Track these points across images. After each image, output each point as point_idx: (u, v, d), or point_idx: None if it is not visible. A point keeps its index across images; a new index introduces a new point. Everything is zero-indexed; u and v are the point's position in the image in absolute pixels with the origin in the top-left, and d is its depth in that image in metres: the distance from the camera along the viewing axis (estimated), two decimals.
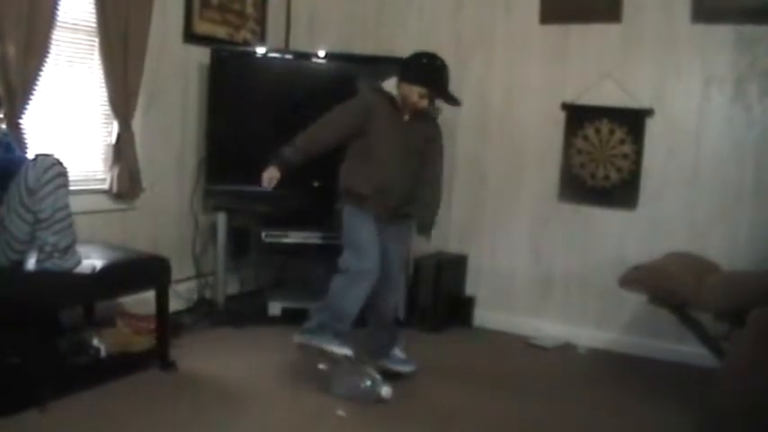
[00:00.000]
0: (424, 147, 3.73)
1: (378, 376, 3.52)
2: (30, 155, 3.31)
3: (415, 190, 3.71)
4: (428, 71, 3.63)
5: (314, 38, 5.31)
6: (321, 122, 3.59)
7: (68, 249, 3.22)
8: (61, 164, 3.15)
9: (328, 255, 4.58)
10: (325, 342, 3.49)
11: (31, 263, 3.17)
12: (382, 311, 3.74)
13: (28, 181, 3.07)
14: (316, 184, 4.54)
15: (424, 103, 3.61)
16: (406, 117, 3.66)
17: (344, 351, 3.48)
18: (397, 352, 3.84)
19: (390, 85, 3.64)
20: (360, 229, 3.58)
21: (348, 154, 3.67)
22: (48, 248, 3.14)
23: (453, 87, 4.83)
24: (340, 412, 3.31)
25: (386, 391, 3.48)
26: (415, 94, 3.56)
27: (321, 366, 3.55)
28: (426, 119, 3.74)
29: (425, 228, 3.79)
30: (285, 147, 3.58)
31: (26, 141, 3.55)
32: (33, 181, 3.06)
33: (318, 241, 4.55)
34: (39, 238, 3.14)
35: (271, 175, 3.57)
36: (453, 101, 3.66)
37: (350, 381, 3.49)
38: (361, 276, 3.50)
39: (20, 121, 3.52)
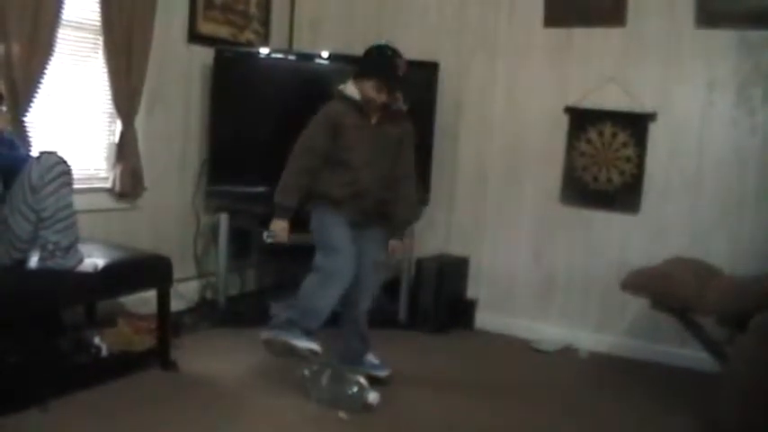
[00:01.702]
0: (397, 148, 3.65)
1: (364, 382, 3.43)
2: (33, 153, 3.31)
3: (389, 192, 3.64)
4: (378, 62, 3.54)
5: (317, 39, 5.31)
6: (298, 154, 3.50)
7: (70, 248, 3.22)
8: (65, 162, 3.14)
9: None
10: (292, 337, 3.41)
11: (33, 261, 3.17)
12: (354, 317, 3.69)
13: (31, 179, 3.06)
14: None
15: (383, 96, 3.49)
16: (374, 120, 3.57)
17: (311, 346, 3.40)
18: (371, 357, 3.77)
19: (349, 87, 3.55)
20: (332, 229, 3.52)
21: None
22: (50, 247, 3.14)
23: (455, 89, 4.90)
24: (341, 415, 3.30)
25: (373, 397, 3.40)
26: (371, 87, 3.47)
27: (306, 372, 3.45)
28: (396, 118, 3.63)
29: (404, 224, 3.76)
30: (278, 194, 3.49)
31: (30, 139, 3.55)
32: (37, 179, 3.06)
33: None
34: (41, 236, 3.13)
35: (282, 227, 3.51)
36: (406, 89, 3.58)
37: (335, 387, 3.43)
38: (334, 277, 3.44)
39: (24, 119, 3.53)
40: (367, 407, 3.38)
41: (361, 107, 3.53)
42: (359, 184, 3.53)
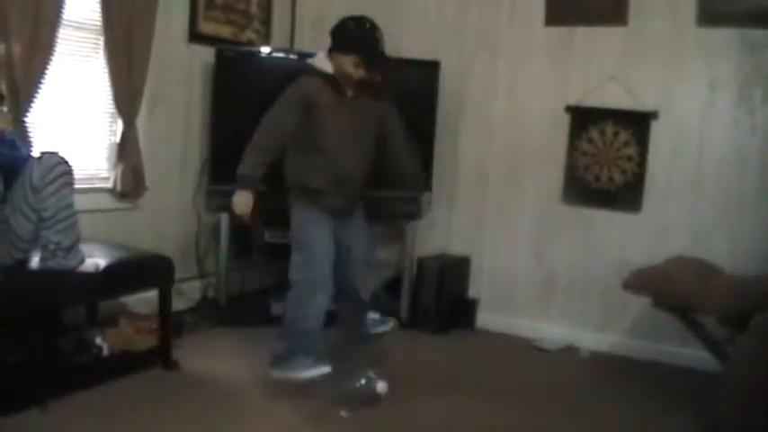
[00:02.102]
0: (379, 125, 3.46)
1: (371, 374, 3.46)
2: (34, 153, 3.31)
3: (371, 173, 3.47)
4: (358, 36, 3.33)
5: (318, 38, 5.26)
6: (263, 130, 3.29)
7: (72, 249, 3.22)
8: (66, 162, 3.15)
9: None
10: (300, 370, 3.31)
11: (34, 262, 3.18)
12: (347, 289, 3.54)
13: (32, 179, 3.06)
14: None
15: (361, 72, 3.29)
16: (350, 93, 3.36)
17: (321, 371, 3.32)
18: (370, 316, 3.68)
19: (321, 60, 3.34)
20: (312, 230, 3.33)
21: (292, 146, 3.38)
22: (51, 247, 3.15)
23: (456, 88, 4.89)
24: (342, 413, 3.30)
25: (381, 386, 3.44)
26: (349, 63, 3.28)
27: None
28: (374, 94, 3.43)
29: (417, 188, 3.67)
30: (240, 167, 3.29)
31: (31, 139, 3.56)
32: (38, 179, 3.06)
33: None
34: (42, 237, 3.14)
35: (245, 200, 3.26)
36: (388, 66, 3.39)
37: (344, 382, 3.45)
38: (313, 290, 3.31)
39: (24, 119, 3.53)
40: (376, 397, 3.41)
41: (335, 82, 3.32)
42: (339, 168, 3.34)
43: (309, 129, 3.32)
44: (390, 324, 3.68)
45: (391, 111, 3.54)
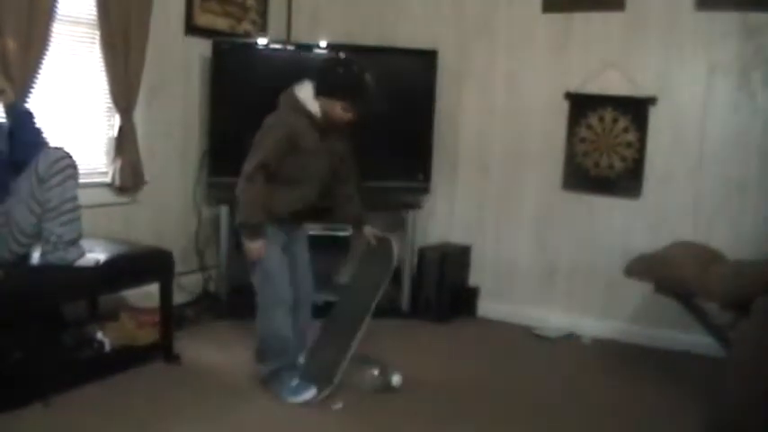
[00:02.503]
0: (341, 159, 3.50)
1: (386, 365, 3.52)
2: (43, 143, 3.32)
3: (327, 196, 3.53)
4: (348, 83, 3.27)
5: (315, 29, 5.29)
6: (256, 171, 3.23)
7: (73, 243, 3.24)
8: (70, 157, 3.20)
9: (331, 247, 4.59)
10: (287, 394, 3.35)
11: (35, 256, 3.20)
12: (299, 296, 3.54)
13: (39, 170, 3.11)
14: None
15: (350, 116, 3.28)
16: (326, 134, 3.36)
17: (305, 396, 3.34)
18: (292, 381, 3.49)
19: (308, 98, 3.28)
20: (272, 255, 3.36)
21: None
22: (53, 239, 3.17)
23: (455, 76, 4.88)
24: (338, 405, 3.31)
25: (396, 379, 3.50)
26: (338, 108, 3.25)
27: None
28: (338, 133, 3.43)
29: (360, 219, 3.64)
30: (247, 215, 3.26)
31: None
32: (44, 170, 3.11)
33: (321, 233, 4.53)
34: (45, 229, 3.16)
35: (258, 247, 3.30)
36: (379, 107, 3.34)
37: (358, 371, 3.49)
38: (276, 306, 3.38)
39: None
40: (390, 389, 3.46)
41: (320, 126, 3.30)
42: (305, 201, 3.40)
43: (289, 166, 3.29)
44: (317, 392, 3.46)
45: (348, 149, 3.56)
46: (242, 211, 3.27)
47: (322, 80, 3.29)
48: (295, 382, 3.39)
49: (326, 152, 3.39)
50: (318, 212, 3.59)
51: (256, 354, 3.51)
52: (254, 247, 3.31)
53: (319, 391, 3.36)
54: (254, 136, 3.34)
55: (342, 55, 3.71)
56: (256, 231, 3.29)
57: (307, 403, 3.33)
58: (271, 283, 3.39)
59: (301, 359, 3.60)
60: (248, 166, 3.25)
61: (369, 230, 3.66)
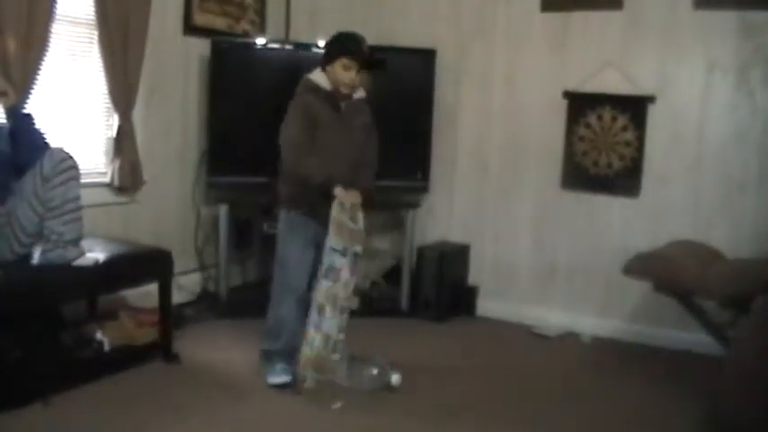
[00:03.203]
0: (363, 137, 3.62)
1: (386, 365, 3.52)
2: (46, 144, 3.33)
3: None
4: (341, 41, 3.50)
5: (314, 28, 5.28)
6: (295, 151, 3.40)
7: (74, 242, 3.25)
8: (72, 158, 3.24)
9: None
10: (269, 374, 3.53)
11: (36, 256, 3.20)
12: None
13: (43, 170, 3.14)
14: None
15: (352, 74, 3.42)
16: (343, 108, 3.51)
17: (279, 380, 3.49)
18: (276, 364, 3.61)
19: (318, 75, 3.48)
20: (292, 244, 3.52)
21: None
22: (54, 237, 3.18)
23: (454, 76, 4.88)
24: (337, 405, 3.31)
25: (395, 379, 3.49)
26: (339, 68, 3.41)
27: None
28: (359, 106, 3.60)
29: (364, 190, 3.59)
30: (316, 176, 3.40)
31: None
32: (48, 169, 3.15)
33: None
34: (47, 227, 3.17)
35: (342, 192, 3.40)
36: (379, 63, 3.58)
37: (357, 371, 3.49)
38: (284, 294, 3.53)
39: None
40: (389, 388, 3.45)
41: (332, 97, 3.47)
42: (336, 179, 3.44)
43: (313, 144, 3.44)
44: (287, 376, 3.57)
45: (372, 124, 3.69)
46: (313, 176, 3.40)
47: (324, 52, 3.52)
48: (280, 365, 3.52)
49: (346, 126, 3.52)
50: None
51: (265, 331, 3.65)
52: (341, 194, 3.39)
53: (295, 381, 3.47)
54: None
55: None
56: (331, 183, 3.39)
57: (278, 387, 3.47)
58: (284, 271, 3.54)
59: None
60: (291, 154, 3.42)
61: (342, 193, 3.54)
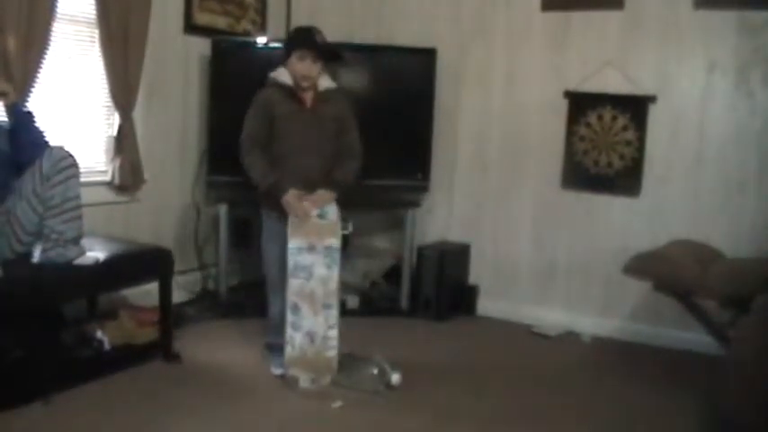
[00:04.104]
0: (338, 128, 3.62)
1: (385, 364, 3.52)
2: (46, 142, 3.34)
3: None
4: (295, 35, 3.68)
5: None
6: (249, 147, 3.51)
7: (74, 241, 3.25)
8: (72, 157, 3.24)
9: None
10: (272, 365, 3.66)
11: (36, 254, 3.20)
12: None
13: (43, 168, 3.14)
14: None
15: (308, 64, 3.45)
16: (309, 104, 3.55)
17: (276, 371, 3.60)
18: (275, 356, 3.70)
19: (281, 72, 3.53)
20: (269, 242, 3.65)
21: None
22: (54, 236, 3.18)
23: (454, 75, 4.88)
24: (338, 404, 3.31)
25: (395, 378, 3.49)
26: (295, 61, 3.47)
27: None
28: (330, 98, 3.62)
29: (339, 184, 3.59)
30: (261, 181, 3.48)
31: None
32: (48, 168, 3.15)
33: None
34: (47, 226, 3.18)
35: (291, 199, 3.45)
36: (334, 55, 3.62)
37: (356, 370, 3.50)
38: (273, 292, 3.67)
39: None
40: (390, 387, 3.45)
41: (292, 91, 3.52)
42: (309, 173, 3.51)
43: (274, 135, 3.53)
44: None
45: (349, 115, 3.70)
46: (256, 179, 3.50)
47: (283, 48, 3.64)
48: (279, 356, 3.57)
49: (313, 120, 3.55)
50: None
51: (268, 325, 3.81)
52: (289, 201, 3.45)
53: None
54: None
55: None
56: (280, 188, 3.46)
57: (276, 377, 3.57)
58: (266, 268, 3.71)
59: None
60: (240, 143, 3.54)
61: (322, 193, 3.56)
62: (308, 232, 3.49)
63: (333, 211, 3.55)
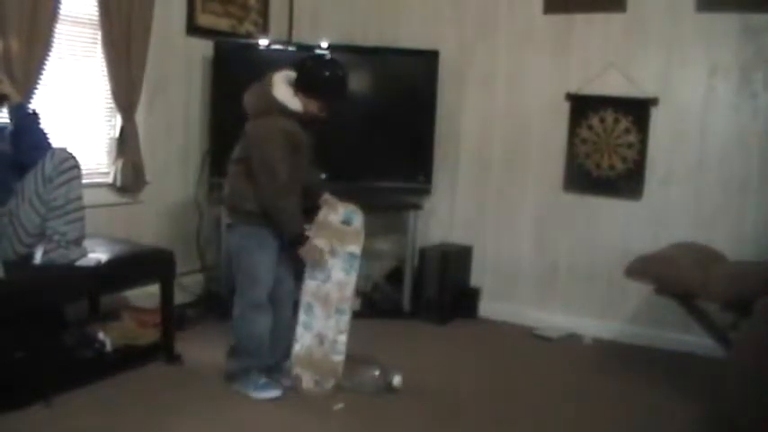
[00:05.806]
0: (313, 156, 3.51)
1: (387, 366, 3.51)
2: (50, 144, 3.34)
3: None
4: (332, 85, 3.35)
5: (317, 29, 5.29)
6: (284, 193, 3.27)
7: (77, 242, 3.26)
8: (75, 158, 3.24)
9: None
10: (252, 389, 3.38)
11: (38, 256, 3.20)
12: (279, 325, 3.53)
13: (45, 170, 3.14)
14: (322, 176, 4.51)
15: (324, 115, 3.34)
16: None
17: (270, 395, 3.38)
18: (287, 364, 3.56)
19: (289, 98, 3.28)
20: (264, 260, 3.36)
21: (244, 173, 3.34)
22: (56, 237, 3.18)
23: (456, 77, 4.88)
24: (339, 406, 3.32)
25: (397, 380, 3.49)
26: (315, 106, 3.29)
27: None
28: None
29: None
30: (291, 227, 3.32)
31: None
32: (51, 169, 3.15)
33: None
34: (49, 227, 3.18)
35: (313, 247, 3.38)
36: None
37: (358, 372, 3.49)
38: (258, 310, 3.37)
39: None
40: (391, 390, 3.45)
41: (301, 120, 3.32)
42: (298, 197, 3.38)
43: (290, 167, 3.29)
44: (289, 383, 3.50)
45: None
46: (290, 226, 3.32)
47: (308, 80, 3.32)
48: (263, 380, 3.41)
49: (308, 144, 3.42)
50: (306, 210, 3.51)
51: (231, 350, 3.52)
52: (310, 248, 3.37)
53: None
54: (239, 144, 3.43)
55: (327, 55, 3.78)
56: (305, 237, 3.38)
57: (272, 401, 3.36)
58: (256, 287, 3.37)
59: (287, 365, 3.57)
60: (272, 183, 3.25)
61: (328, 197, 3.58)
62: (331, 236, 3.47)
63: (358, 218, 3.51)
